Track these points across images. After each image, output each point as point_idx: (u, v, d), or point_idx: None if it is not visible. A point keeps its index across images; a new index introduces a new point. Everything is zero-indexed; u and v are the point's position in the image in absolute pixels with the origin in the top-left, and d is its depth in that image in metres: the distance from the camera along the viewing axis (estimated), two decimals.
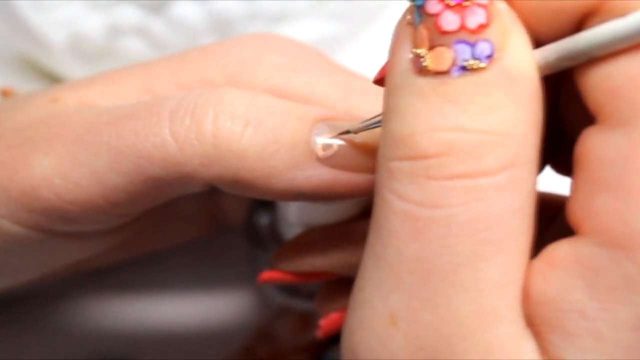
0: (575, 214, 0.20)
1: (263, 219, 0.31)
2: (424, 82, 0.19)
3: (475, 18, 0.19)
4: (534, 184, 0.20)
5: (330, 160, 0.24)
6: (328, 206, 0.27)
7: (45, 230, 0.26)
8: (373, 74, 0.28)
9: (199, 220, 0.36)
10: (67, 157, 0.25)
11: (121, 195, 0.25)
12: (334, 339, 0.37)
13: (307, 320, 0.37)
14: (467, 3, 0.19)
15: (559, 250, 0.20)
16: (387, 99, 0.20)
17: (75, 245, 0.28)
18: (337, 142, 0.24)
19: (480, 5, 0.19)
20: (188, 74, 0.28)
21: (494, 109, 0.19)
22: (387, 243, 0.20)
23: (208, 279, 0.37)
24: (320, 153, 0.24)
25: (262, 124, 0.24)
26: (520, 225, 0.20)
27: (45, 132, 0.26)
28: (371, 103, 0.28)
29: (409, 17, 0.20)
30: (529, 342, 0.19)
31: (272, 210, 0.31)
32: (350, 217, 0.28)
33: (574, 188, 0.20)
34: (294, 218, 0.28)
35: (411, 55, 0.20)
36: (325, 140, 0.24)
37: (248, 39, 0.29)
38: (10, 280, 0.30)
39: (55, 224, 0.26)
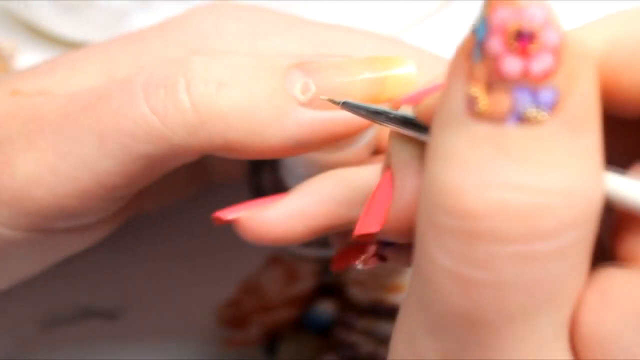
0: (628, 248, 0.18)
1: (266, 174, 0.31)
2: (477, 128, 0.17)
3: (541, 63, 0.16)
4: (594, 234, 0.18)
5: (313, 102, 0.24)
6: (335, 154, 0.27)
7: (45, 230, 0.25)
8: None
9: (188, 181, 0.35)
10: (50, 150, 0.24)
11: (115, 179, 0.24)
12: (322, 291, 0.38)
13: (294, 272, 0.37)
14: (534, 46, 0.16)
15: (614, 282, 0.18)
16: (435, 134, 0.18)
17: (77, 238, 0.27)
18: (313, 82, 0.24)
19: (548, 48, 0.16)
20: (149, 55, 0.27)
21: (555, 165, 0.17)
22: (433, 298, 0.18)
23: (202, 232, 0.37)
24: (301, 97, 0.24)
25: (234, 82, 0.24)
26: (577, 280, 0.18)
27: (19, 128, 0.25)
28: (343, 52, 0.27)
29: (467, 48, 0.17)
30: None
31: (275, 164, 0.31)
32: (363, 159, 0.27)
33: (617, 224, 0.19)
34: (301, 169, 0.28)
35: (465, 95, 0.17)
36: (301, 82, 0.24)
37: (204, 10, 0.28)
38: (13, 279, 0.29)
39: (54, 221, 0.25)
